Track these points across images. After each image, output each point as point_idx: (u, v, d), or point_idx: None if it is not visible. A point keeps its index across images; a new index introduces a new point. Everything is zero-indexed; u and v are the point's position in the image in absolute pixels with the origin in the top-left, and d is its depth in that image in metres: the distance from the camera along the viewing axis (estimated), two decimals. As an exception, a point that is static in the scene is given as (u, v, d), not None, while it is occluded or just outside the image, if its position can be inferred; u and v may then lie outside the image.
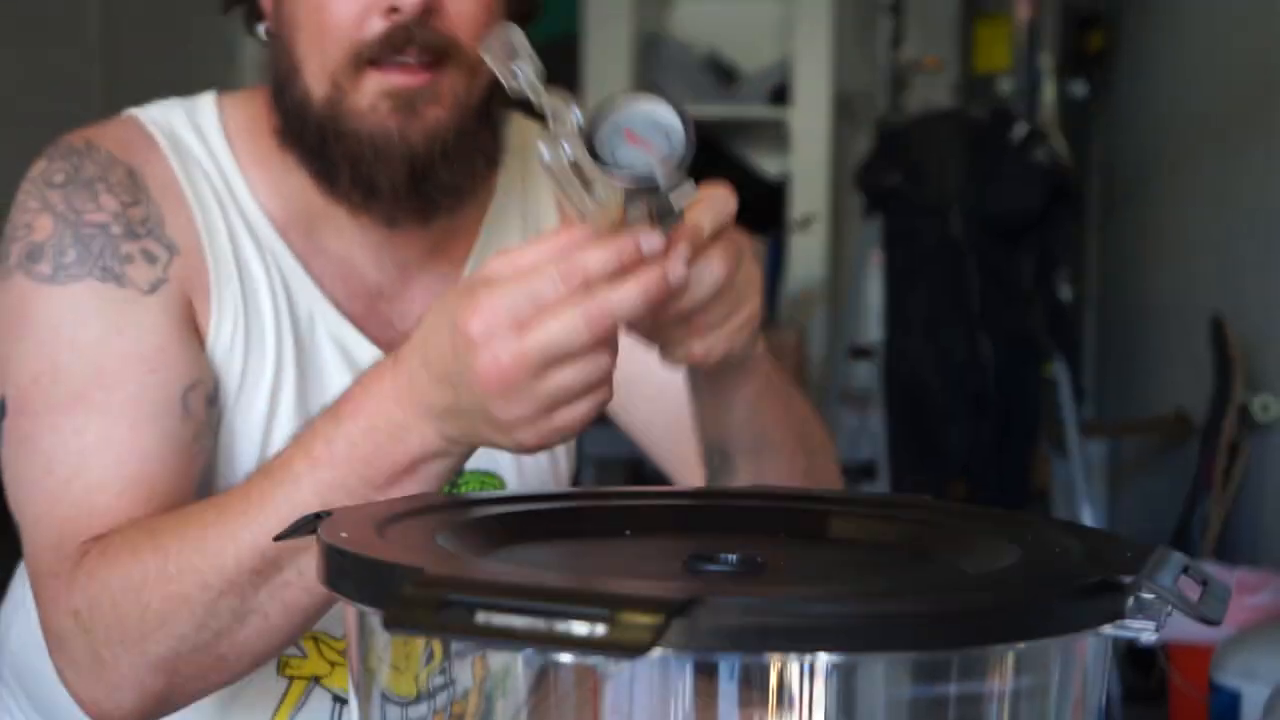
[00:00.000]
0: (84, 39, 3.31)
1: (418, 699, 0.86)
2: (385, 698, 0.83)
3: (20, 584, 1.22)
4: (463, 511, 0.85)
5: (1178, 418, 3.56)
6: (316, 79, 1.08)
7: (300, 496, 0.93)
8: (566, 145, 0.83)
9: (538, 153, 0.84)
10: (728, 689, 0.68)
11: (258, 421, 1.12)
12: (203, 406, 1.08)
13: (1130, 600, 0.69)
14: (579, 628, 0.60)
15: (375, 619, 0.68)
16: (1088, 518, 3.45)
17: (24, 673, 1.21)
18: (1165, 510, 3.53)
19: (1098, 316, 4.42)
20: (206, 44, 4.01)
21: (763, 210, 4.30)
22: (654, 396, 1.22)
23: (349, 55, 1.06)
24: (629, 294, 0.83)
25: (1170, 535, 3.34)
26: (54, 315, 1.05)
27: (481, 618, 0.61)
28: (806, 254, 4.24)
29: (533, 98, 0.87)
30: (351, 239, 1.15)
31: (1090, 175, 4.39)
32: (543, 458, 1.24)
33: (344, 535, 0.73)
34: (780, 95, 4.28)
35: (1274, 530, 2.93)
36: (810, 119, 4.23)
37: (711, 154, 4.31)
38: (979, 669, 0.70)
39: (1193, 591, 0.72)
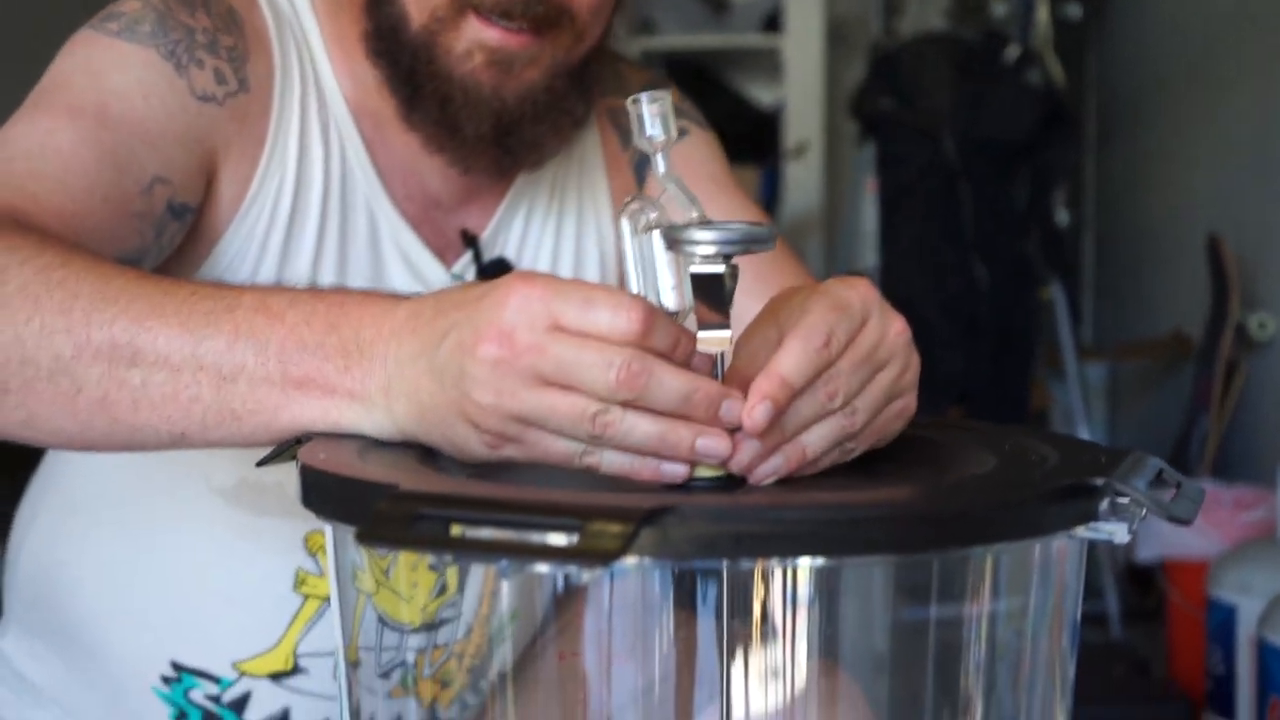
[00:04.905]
0: None
1: (419, 629, 0.86)
2: (383, 621, 0.83)
3: (29, 504, 1.21)
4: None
5: (1176, 338, 3.56)
6: (416, 5, 1.05)
7: (226, 319, 0.80)
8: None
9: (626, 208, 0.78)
10: (706, 599, 0.69)
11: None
12: (162, 204, 1.00)
13: (1104, 502, 0.70)
14: (551, 538, 0.60)
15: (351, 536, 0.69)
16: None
17: (38, 600, 1.18)
18: (1164, 431, 3.54)
19: (1095, 239, 4.41)
20: None
21: (757, 140, 4.29)
22: None
23: None
24: (672, 386, 0.71)
25: (1168, 454, 3.35)
26: (97, 56, 1.02)
27: (455, 531, 0.61)
28: (801, 182, 4.23)
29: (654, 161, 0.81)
30: (420, 146, 1.12)
31: (1085, 98, 4.37)
32: None
33: (323, 457, 0.74)
34: (772, 23, 4.26)
35: (1270, 447, 2.93)
36: (803, 46, 4.21)
37: (705, 84, 4.29)
38: (957, 573, 0.71)
39: (1165, 494, 0.73)
